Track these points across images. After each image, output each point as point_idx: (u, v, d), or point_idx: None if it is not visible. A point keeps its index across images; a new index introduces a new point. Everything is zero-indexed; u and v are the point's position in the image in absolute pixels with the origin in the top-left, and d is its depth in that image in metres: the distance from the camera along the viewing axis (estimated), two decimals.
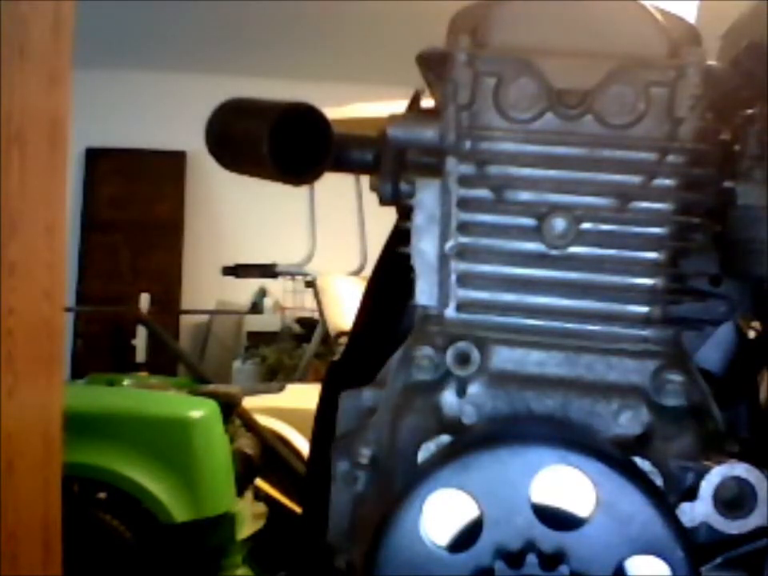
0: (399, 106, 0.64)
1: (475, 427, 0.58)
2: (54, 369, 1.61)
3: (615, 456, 0.55)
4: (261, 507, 2.38)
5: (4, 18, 1.49)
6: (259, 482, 2.39)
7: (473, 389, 0.59)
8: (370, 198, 0.66)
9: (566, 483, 0.53)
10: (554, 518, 0.52)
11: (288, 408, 2.77)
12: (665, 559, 0.52)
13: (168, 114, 6.26)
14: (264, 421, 2.56)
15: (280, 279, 4.30)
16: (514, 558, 0.52)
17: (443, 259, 0.60)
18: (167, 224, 6.57)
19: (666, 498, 0.55)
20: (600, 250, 0.59)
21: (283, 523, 2.33)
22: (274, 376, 4.80)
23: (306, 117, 0.66)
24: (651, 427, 0.58)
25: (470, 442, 0.56)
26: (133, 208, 6.55)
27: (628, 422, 0.58)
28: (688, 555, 0.52)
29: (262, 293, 5.84)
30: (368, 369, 0.64)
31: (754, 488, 0.55)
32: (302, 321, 5.48)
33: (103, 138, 6.32)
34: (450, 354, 0.59)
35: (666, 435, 0.58)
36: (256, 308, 5.80)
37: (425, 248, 0.60)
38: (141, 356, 5.29)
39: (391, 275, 0.69)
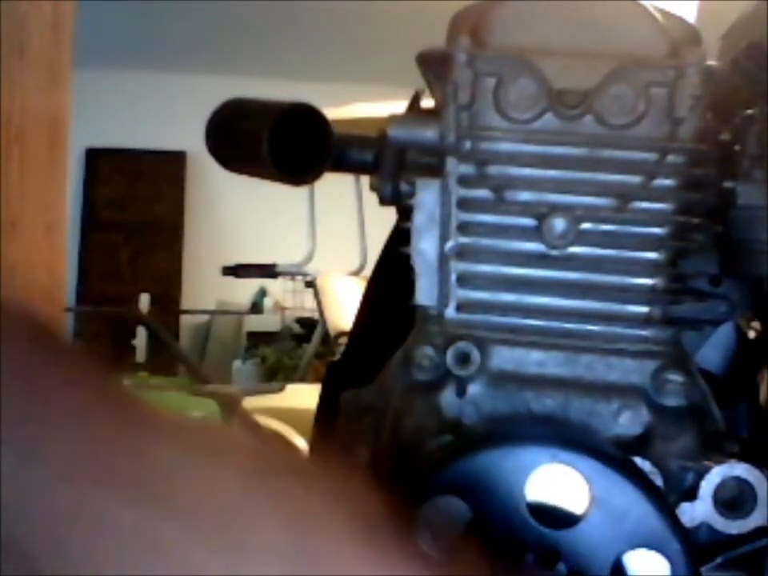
0: (399, 106, 0.64)
1: (470, 429, 0.58)
2: None
3: (607, 452, 0.55)
4: None
5: (4, 18, 1.49)
6: None
7: (473, 389, 0.59)
8: (370, 198, 0.66)
9: (560, 481, 0.53)
10: (550, 517, 0.52)
11: (288, 408, 2.77)
12: (661, 551, 0.52)
13: (168, 114, 6.26)
14: (264, 421, 2.56)
15: (280, 279, 4.30)
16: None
17: (443, 259, 0.60)
18: (167, 224, 6.57)
19: (661, 492, 0.55)
20: (600, 250, 0.59)
21: None
22: (274, 376, 4.80)
23: (306, 117, 0.66)
24: (651, 427, 0.58)
25: (462, 445, 0.56)
26: (133, 208, 6.56)
27: (628, 422, 0.58)
28: (684, 547, 0.52)
29: (262, 293, 5.85)
30: (368, 369, 0.64)
31: (754, 488, 0.55)
32: (302, 321, 5.49)
33: (103, 138, 6.32)
34: (450, 354, 0.59)
35: (666, 435, 0.58)
36: (256, 308, 5.81)
37: (425, 248, 0.60)
38: (141, 356, 5.30)
39: (391, 275, 0.69)
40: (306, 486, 0.36)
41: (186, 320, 6.28)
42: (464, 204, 0.59)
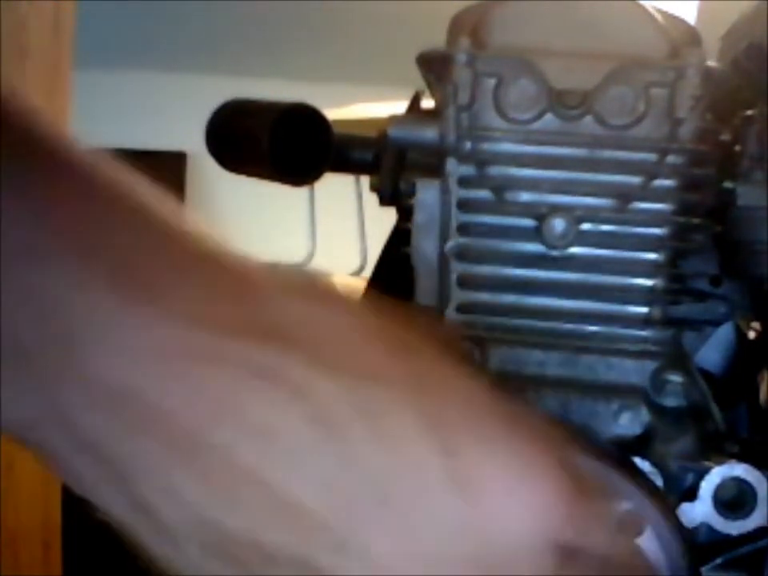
0: (399, 106, 0.64)
1: None
2: None
3: (617, 457, 0.55)
4: None
5: (4, 18, 1.49)
6: None
7: None
8: (370, 198, 0.66)
9: None
10: None
11: None
12: (662, 555, 0.52)
13: (168, 113, 6.26)
14: None
15: None
16: None
17: (443, 260, 0.60)
18: None
19: (666, 498, 0.55)
20: (600, 251, 0.59)
21: None
22: None
23: (306, 117, 0.66)
24: (651, 427, 0.58)
25: None
26: None
27: (628, 422, 0.58)
28: (688, 555, 0.52)
29: None
30: None
31: (754, 488, 0.55)
32: None
33: (103, 138, 6.31)
34: None
35: (666, 435, 0.58)
36: None
37: (425, 248, 0.60)
38: None
39: (391, 275, 0.69)
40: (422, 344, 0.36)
41: None
42: (464, 205, 0.59)
